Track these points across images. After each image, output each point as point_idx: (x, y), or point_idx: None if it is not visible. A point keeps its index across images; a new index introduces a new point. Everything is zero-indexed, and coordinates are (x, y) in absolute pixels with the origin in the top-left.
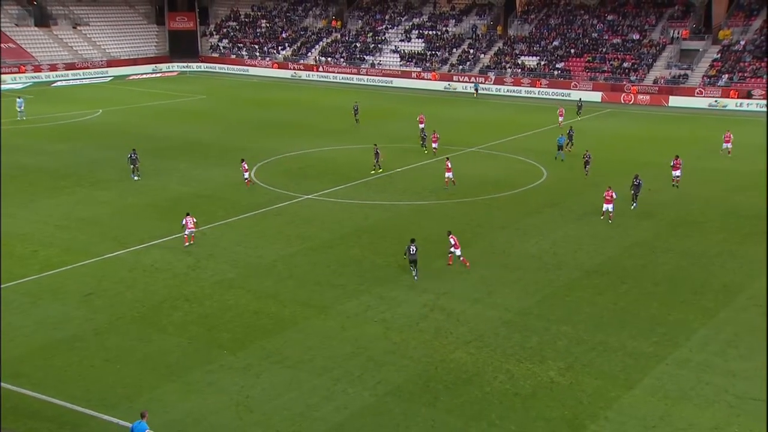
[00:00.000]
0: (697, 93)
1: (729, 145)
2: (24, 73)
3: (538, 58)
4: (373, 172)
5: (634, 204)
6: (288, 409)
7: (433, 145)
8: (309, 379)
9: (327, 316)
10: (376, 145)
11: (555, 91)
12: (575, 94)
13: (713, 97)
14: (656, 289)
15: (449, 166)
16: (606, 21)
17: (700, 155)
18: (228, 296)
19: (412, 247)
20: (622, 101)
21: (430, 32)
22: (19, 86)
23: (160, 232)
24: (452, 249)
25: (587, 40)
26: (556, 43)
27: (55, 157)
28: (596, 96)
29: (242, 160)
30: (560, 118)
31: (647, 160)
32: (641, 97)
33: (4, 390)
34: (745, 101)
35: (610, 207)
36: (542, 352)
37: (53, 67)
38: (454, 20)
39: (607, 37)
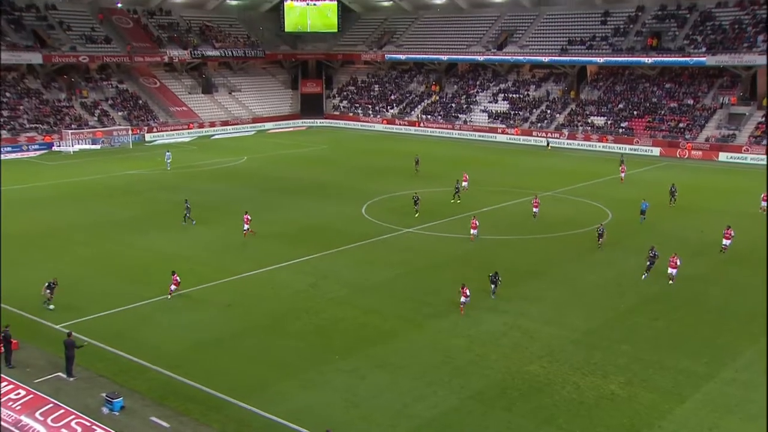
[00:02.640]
0: (744, 150)
1: (765, 204)
2: (191, 129)
3: (606, 118)
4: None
5: (646, 274)
6: (387, 406)
7: (464, 183)
8: (405, 382)
9: (421, 330)
10: (416, 193)
11: (620, 146)
12: (638, 148)
13: (759, 154)
14: (707, 316)
15: (537, 202)
16: (665, 88)
17: (746, 202)
18: (339, 310)
19: (494, 276)
20: (678, 156)
21: (514, 95)
22: (187, 139)
23: (287, 256)
24: (463, 299)
25: (648, 104)
26: (621, 105)
27: (209, 194)
28: (656, 150)
29: (245, 212)
30: (622, 174)
31: (700, 206)
32: (695, 152)
33: (165, 376)
34: None
35: (674, 272)
36: (605, 368)
37: (212, 124)
38: (534, 86)
39: (665, 102)
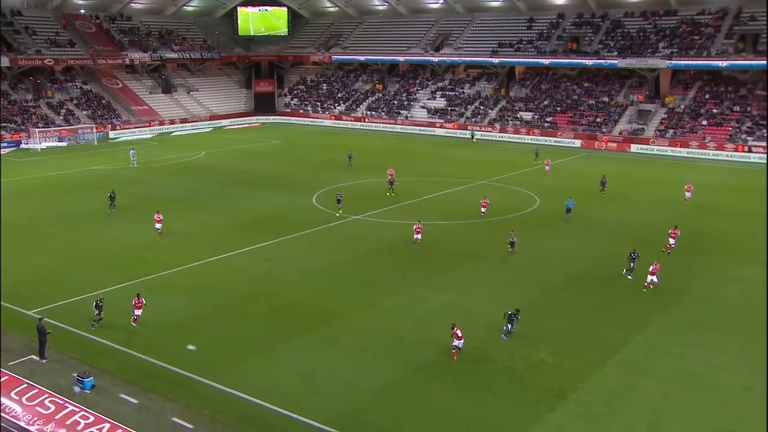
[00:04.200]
0: (651, 142)
1: (689, 194)
2: (153, 126)
3: (533, 113)
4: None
5: (630, 276)
6: (340, 380)
7: (390, 177)
8: (356, 358)
9: (370, 310)
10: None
11: (545, 138)
12: (561, 140)
13: (654, 145)
14: (622, 292)
15: (486, 202)
16: (584, 87)
17: (656, 189)
18: (294, 293)
19: (514, 314)
20: (596, 147)
21: (451, 93)
22: (149, 136)
23: (245, 243)
24: (455, 342)
25: (569, 101)
26: (546, 102)
27: (170, 188)
28: (577, 143)
29: (157, 212)
30: (547, 168)
31: (627, 194)
32: (610, 144)
33: (133, 357)
34: (684, 149)
35: (655, 278)
36: (535, 340)
37: (172, 121)
38: (468, 84)
39: (584, 99)
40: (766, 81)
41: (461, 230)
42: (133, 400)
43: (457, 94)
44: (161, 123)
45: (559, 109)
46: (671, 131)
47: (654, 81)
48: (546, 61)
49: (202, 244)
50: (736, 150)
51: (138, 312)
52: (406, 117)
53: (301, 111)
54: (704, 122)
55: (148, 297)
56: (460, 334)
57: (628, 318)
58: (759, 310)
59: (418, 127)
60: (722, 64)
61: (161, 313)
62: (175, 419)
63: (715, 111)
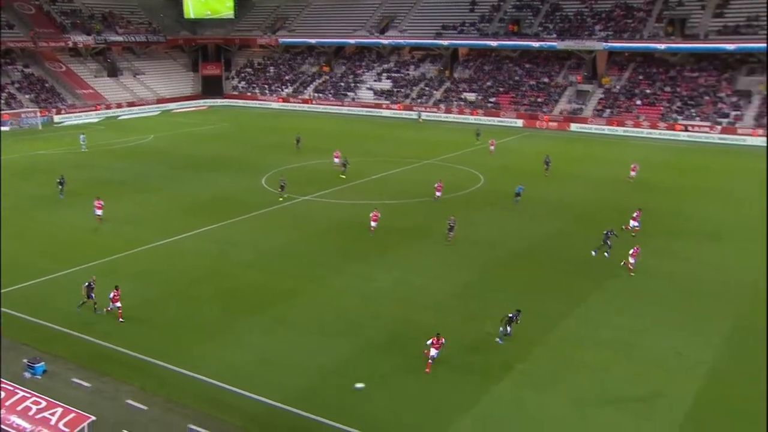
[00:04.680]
0: (589, 121)
1: (634, 174)
2: (99, 110)
3: (476, 94)
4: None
5: (600, 254)
6: (294, 358)
7: (336, 160)
8: (308, 336)
9: (320, 289)
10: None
11: (489, 118)
12: (504, 120)
13: (593, 124)
14: (563, 267)
15: (441, 185)
16: (525, 68)
17: (599, 167)
18: (246, 274)
19: (515, 315)
20: (538, 126)
21: (396, 74)
22: (96, 120)
23: (196, 225)
24: (434, 352)
25: (511, 82)
26: (489, 83)
27: (119, 171)
28: (519, 122)
29: (97, 198)
30: (492, 148)
31: (571, 172)
32: (551, 123)
33: (86, 341)
34: (620, 128)
35: (632, 260)
36: (481, 314)
37: (119, 105)
38: (413, 66)
39: (525, 80)
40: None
41: (409, 209)
42: (87, 384)
43: (403, 75)
44: (108, 107)
45: (501, 89)
46: (608, 111)
47: (591, 62)
48: (494, 43)
49: (152, 227)
50: (668, 128)
51: (118, 304)
52: (353, 99)
53: (249, 94)
54: (638, 102)
55: (98, 282)
56: (443, 342)
57: (570, 292)
58: (692, 282)
59: (364, 109)
60: (661, 47)
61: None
62: (130, 401)
63: (648, 91)
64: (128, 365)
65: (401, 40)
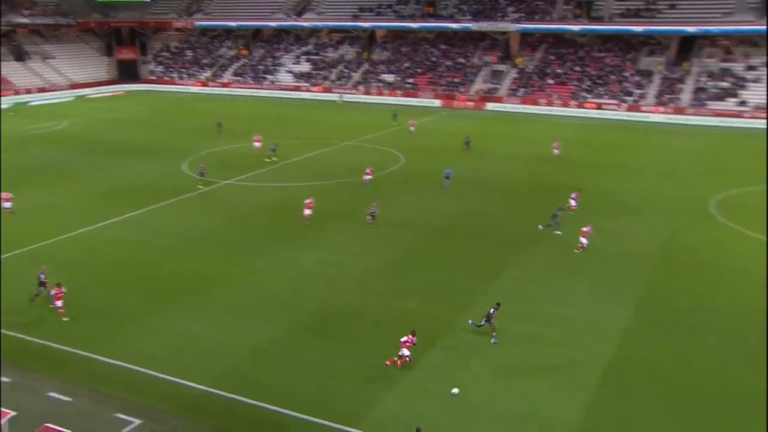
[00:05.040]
0: (504, 101)
1: (557, 152)
2: (7, 96)
3: (395, 75)
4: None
5: (551, 228)
6: (221, 341)
7: (257, 144)
8: (234, 319)
9: (245, 272)
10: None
11: (408, 99)
12: (422, 101)
13: (508, 103)
14: (484, 242)
15: (371, 170)
16: (441, 49)
17: (514, 144)
18: (170, 260)
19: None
20: (455, 106)
21: (315, 57)
22: (5, 106)
23: (115, 212)
24: (406, 353)
25: (429, 63)
26: (407, 64)
27: (32, 159)
28: (437, 102)
29: (5, 191)
30: (411, 128)
31: (491, 150)
32: (468, 103)
33: (8, 335)
34: (534, 107)
35: (585, 240)
36: (406, 291)
37: (29, 90)
38: (332, 48)
39: (442, 61)
40: (602, 43)
41: (331, 191)
42: (5, 379)
43: (322, 58)
44: (16, 92)
45: (419, 70)
46: (522, 90)
47: (505, 43)
48: (414, 25)
49: (71, 215)
50: (578, 106)
51: (59, 303)
52: (272, 82)
53: (167, 78)
54: (550, 81)
55: (16, 274)
56: (414, 341)
57: (490, 267)
58: (606, 254)
59: (284, 92)
60: (575, 28)
61: (33, 289)
62: (53, 394)
63: (559, 71)
64: (51, 357)
65: (319, 23)
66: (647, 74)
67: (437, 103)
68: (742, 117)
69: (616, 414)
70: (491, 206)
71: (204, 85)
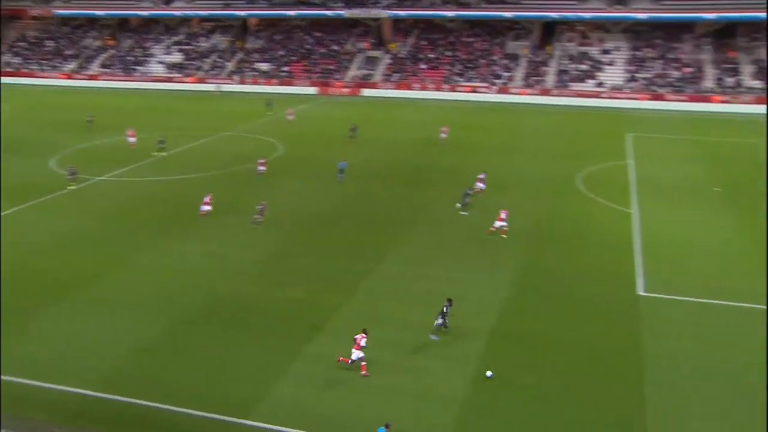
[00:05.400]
0: (379, 86)
1: (445, 135)
2: None
3: (269, 64)
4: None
5: (463, 210)
6: (103, 342)
7: (131, 140)
8: (116, 318)
9: (126, 269)
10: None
11: (284, 87)
12: (299, 89)
13: (383, 89)
14: (364, 225)
15: (263, 161)
16: (315, 37)
17: (384, 128)
18: (44, 262)
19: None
20: (331, 93)
21: (187, 47)
22: None
23: None
24: (360, 355)
25: (303, 50)
26: (281, 52)
27: None
28: (313, 90)
29: None
30: (290, 117)
31: (377, 136)
32: (344, 90)
33: None
34: (409, 92)
35: (502, 224)
36: (291, 279)
37: None
38: (204, 37)
39: (316, 48)
40: (470, 28)
41: (212, 182)
42: None
43: (194, 47)
44: None
45: (294, 58)
46: (396, 75)
47: (377, 30)
48: (292, 13)
49: None
50: (451, 90)
51: None
52: (144, 73)
53: (26, 70)
54: (423, 66)
55: None
56: (364, 344)
57: (373, 249)
58: (473, 229)
59: (157, 83)
60: (449, 14)
61: None
62: None
63: (431, 56)
64: None
65: (189, 12)
66: (514, 58)
67: (313, 90)
68: (601, 97)
69: (502, 384)
70: (376, 191)
71: (69, 77)
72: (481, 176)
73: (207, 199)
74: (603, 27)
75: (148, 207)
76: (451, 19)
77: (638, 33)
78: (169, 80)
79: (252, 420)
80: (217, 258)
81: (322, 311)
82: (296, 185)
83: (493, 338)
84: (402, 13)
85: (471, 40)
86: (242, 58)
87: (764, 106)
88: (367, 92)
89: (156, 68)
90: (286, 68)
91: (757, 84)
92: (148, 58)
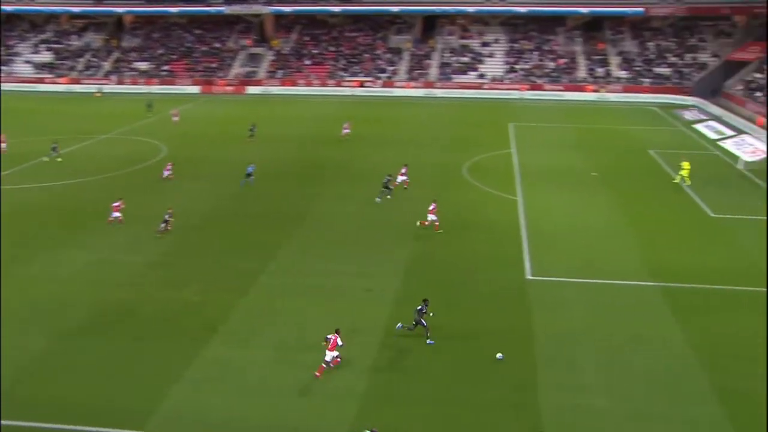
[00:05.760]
0: (264, 83)
1: (347, 131)
2: None
3: (149, 63)
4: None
5: (378, 199)
6: None
7: (2, 145)
8: None
9: (7, 280)
10: None
11: (165, 87)
12: (181, 88)
13: (268, 86)
14: (252, 222)
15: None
16: (196, 34)
17: (281, 126)
18: None
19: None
20: (215, 92)
21: (57, 45)
22: None
23: None
24: (334, 355)
25: (183, 48)
26: (161, 51)
27: None
28: (196, 89)
29: None
30: (175, 118)
31: (234, 131)
32: (228, 88)
33: None
34: (294, 88)
35: (433, 216)
36: (180, 282)
37: None
38: (75, 35)
39: (197, 46)
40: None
41: (94, 186)
42: None
43: (65, 46)
44: None
45: (174, 57)
46: (281, 72)
47: (259, 26)
48: (174, 9)
49: None
50: (336, 85)
51: None
52: (9, 74)
53: None
54: (307, 62)
55: None
56: (340, 343)
57: (262, 248)
58: (374, 221)
59: (25, 84)
60: (335, 9)
61: None
62: None
63: (315, 51)
64: None
65: (57, 8)
66: (397, 52)
67: (196, 89)
68: (483, 88)
69: (399, 373)
70: (269, 189)
71: None
72: (403, 170)
73: (116, 205)
74: (482, 20)
75: (23, 216)
76: (334, 14)
77: (515, 26)
78: (40, 81)
79: (147, 431)
80: (100, 264)
81: (215, 312)
82: (183, 185)
83: (389, 330)
84: (285, 8)
85: (354, 34)
86: (119, 58)
87: (631, 95)
88: (251, 90)
89: (23, 68)
90: (166, 67)
91: (624, 74)
92: (13, 58)
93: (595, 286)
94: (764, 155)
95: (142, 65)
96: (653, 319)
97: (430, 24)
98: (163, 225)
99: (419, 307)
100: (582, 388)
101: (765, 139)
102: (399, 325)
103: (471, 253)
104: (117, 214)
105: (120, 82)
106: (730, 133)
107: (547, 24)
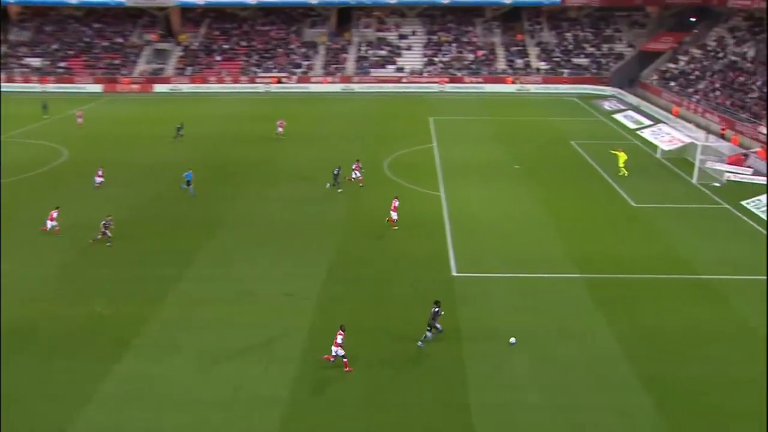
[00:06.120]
0: (173, 81)
1: (281, 129)
2: None
3: (42, 59)
4: None
5: (331, 185)
6: None
7: None
8: None
9: None
10: None
11: (63, 85)
12: (81, 87)
13: (176, 83)
14: (168, 227)
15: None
16: (94, 28)
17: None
18: None
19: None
20: (119, 90)
21: None
22: None
23: None
24: (340, 352)
25: (82, 44)
26: (55, 46)
27: None
28: (98, 87)
29: None
30: (80, 119)
31: (144, 132)
32: (133, 86)
33: None
34: (205, 85)
35: (395, 214)
36: (88, 294)
37: None
38: None
39: (97, 41)
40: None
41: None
42: None
43: None
44: None
45: (71, 53)
46: (190, 68)
47: (165, 20)
48: (73, 1)
49: None
50: (249, 81)
51: None
52: None
53: None
54: (218, 58)
55: None
56: (339, 341)
57: (179, 254)
58: (292, 223)
59: None
60: (247, 1)
61: None
62: None
63: (226, 46)
64: None
65: None
66: (312, 46)
67: (98, 88)
68: (401, 82)
69: (326, 378)
70: (170, 191)
71: None
72: (354, 165)
73: (54, 215)
74: (398, 11)
75: None
76: (245, 7)
77: (433, 17)
78: None
79: None
80: (8, 277)
81: (126, 325)
82: (85, 191)
83: (312, 334)
84: (190, 1)
85: (266, 28)
86: (6, 53)
87: (551, 86)
88: (159, 88)
89: None
90: (63, 64)
91: (543, 65)
92: None
93: (521, 280)
94: (681, 144)
95: (35, 61)
96: (579, 311)
97: (346, 16)
98: (100, 235)
99: (435, 309)
100: (513, 384)
101: (681, 128)
102: (420, 343)
103: (395, 251)
104: (53, 223)
105: (9, 80)
106: (647, 122)
107: (465, 15)
